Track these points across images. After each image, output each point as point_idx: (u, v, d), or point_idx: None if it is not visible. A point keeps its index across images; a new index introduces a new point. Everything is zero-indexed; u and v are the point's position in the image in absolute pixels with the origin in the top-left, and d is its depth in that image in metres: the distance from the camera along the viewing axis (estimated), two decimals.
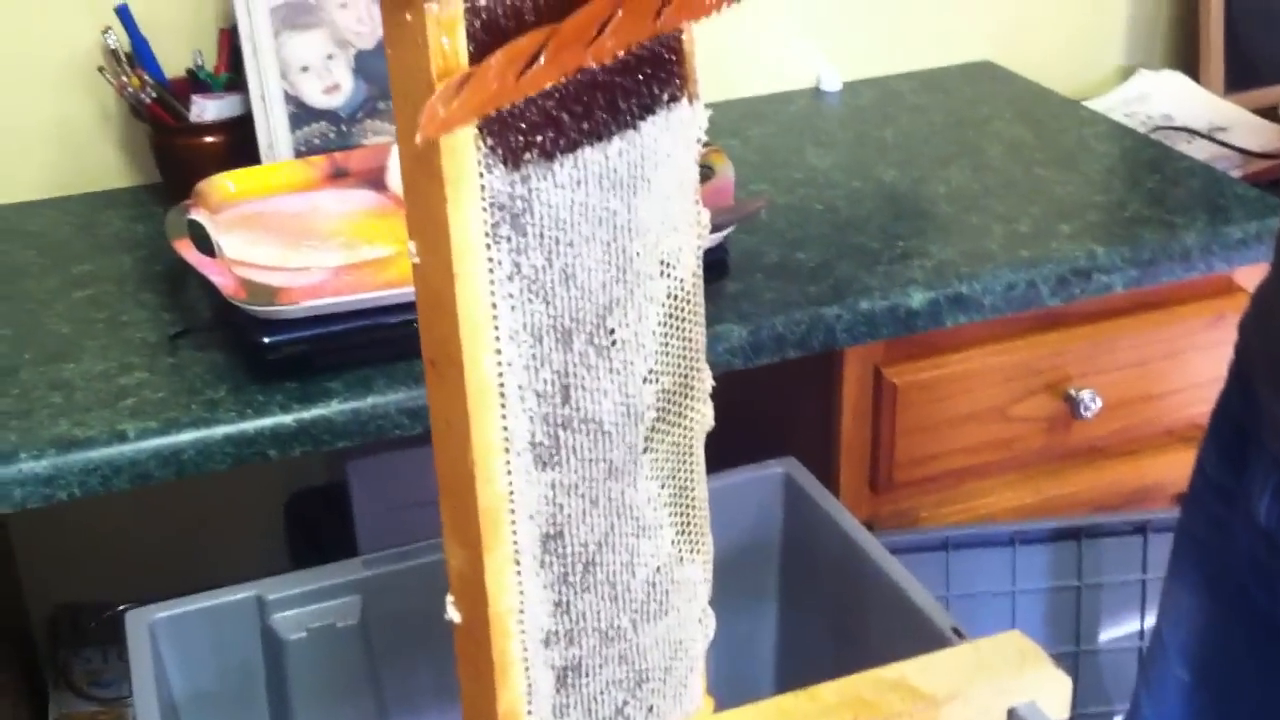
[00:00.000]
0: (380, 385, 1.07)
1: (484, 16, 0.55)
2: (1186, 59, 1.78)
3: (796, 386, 1.33)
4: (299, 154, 1.35)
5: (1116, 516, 1.32)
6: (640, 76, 0.62)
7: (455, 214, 0.56)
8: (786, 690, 0.77)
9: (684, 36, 0.63)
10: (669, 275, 0.66)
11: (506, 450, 0.61)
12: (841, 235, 1.29)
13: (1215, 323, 1.33)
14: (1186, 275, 1.29)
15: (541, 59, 0.55)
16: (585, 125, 0.60)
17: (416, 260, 0.59)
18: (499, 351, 0.60)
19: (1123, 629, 1.34)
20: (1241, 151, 1.51)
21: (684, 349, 0.68)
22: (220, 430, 1.04)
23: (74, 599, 1.55)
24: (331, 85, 1.36)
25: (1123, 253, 1.26)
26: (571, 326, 0.62)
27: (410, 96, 0.55)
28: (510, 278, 0.59)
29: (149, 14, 1.38)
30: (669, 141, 0.64)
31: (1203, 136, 1.55)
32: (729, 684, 1.10)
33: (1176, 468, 1.37)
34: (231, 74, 1.40)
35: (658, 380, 0.67)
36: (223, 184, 1.24)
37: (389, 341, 1.08)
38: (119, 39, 1.38)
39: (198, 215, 1.18)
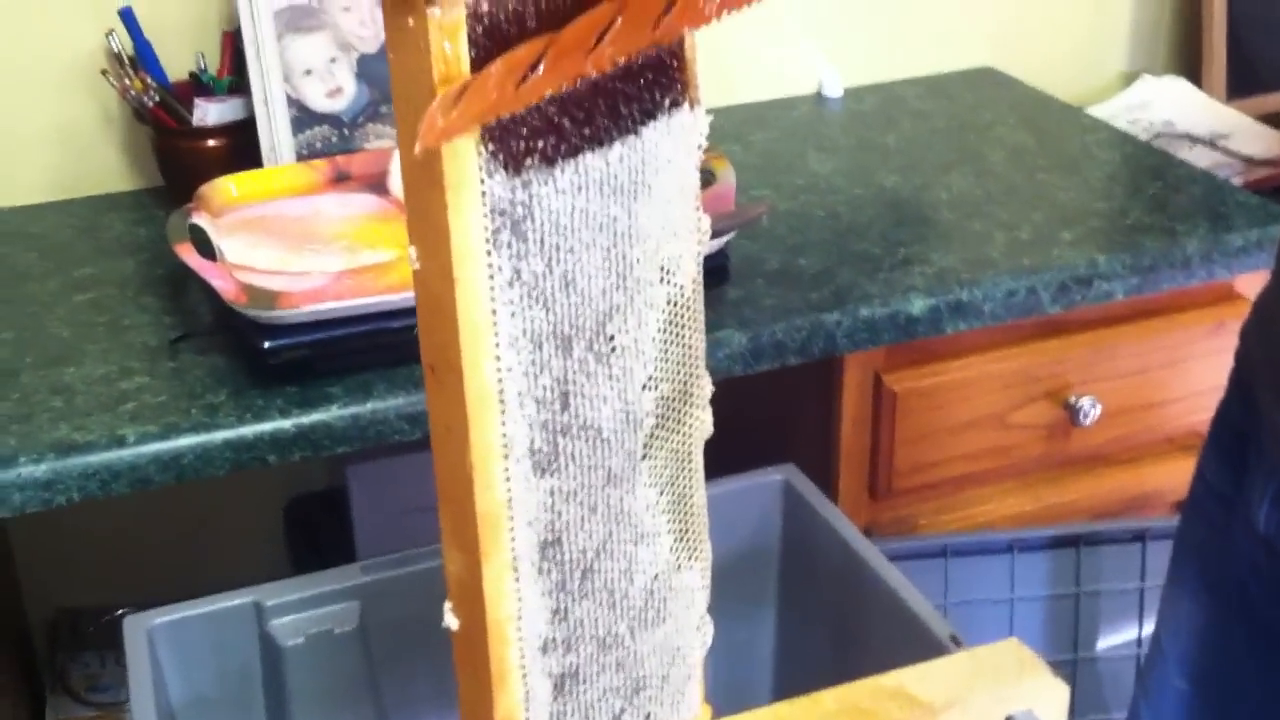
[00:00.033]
0: (380, 390, 1.07)
1: (486, 22, 0.55)
2: (1189, 65, 1.78)
3: (796, 393, 1.33)
4: (301, 158, 1.35)
5: (1115, 524, 1.32)
6: (642, 82, 0.62)
7: (456, 219, 0.56)
8: (785, 698, 0.77)
9: (685, 42, 0.63)
10: (669, 281, 0.66)
11: (505, 456, 0.61)
12: (843, 241, 1.29)
13: (1216, 330, 1.33)
14: (1187, 283, 1.29)
15: (540, 68, 0.55)
16: (586, 131, 0.60)
17: (417, 266, 0.59)
18: (498, 358, 0.59)
19: (1121, 637, 1.34)
20: (1243, 158, 1.51)
21: (684, 355, 0.68)
22: (220, 435, 1.04)
23: (73, 603, 1.55)
24: (334, 89, 1.36)
25: (1124, 260, 1.26)
26: (571, 333, 0.62)
27: (412, 101, 0.55)
28: (510, 284, 0.59)
29: (152, 17, 1.39)
30: (670, 147, 0.64)
31: (1204, 143, 1.55)
32: (727, 691, 1.10)
33: (1176, 475, 1.37)
34: (234, 77, 1.40)
35: (657, 387, 0.67)
36: (225, 187, 1.24)
37: (389, 346, 1.08)
38: (122, 42, 1.38)
39: (199, 219, 1.18)
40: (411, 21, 0.53)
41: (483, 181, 0.57)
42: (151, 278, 1.26)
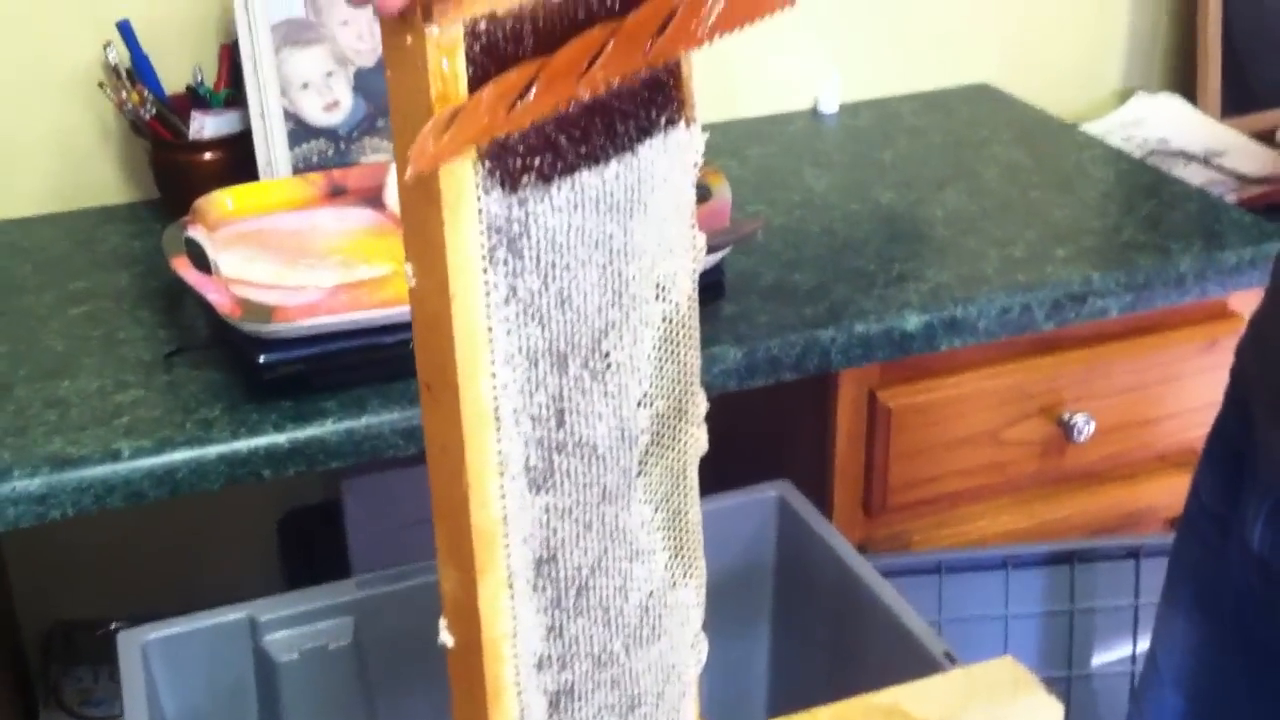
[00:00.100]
0: (375, 405, 1.07)
1: (484, 40, 0.55)
2: (1184, 82, 1.78)
3: (791, 409, 1.33)
4: (297, 171, 1.35)
5: (1109, 541, 1.32)
6: (638, 100, 0.62)
7: (452, 237, 0.57)
8: (779, 715, 0.77)
9: (682, 61, 0.63)
10: (664, 299, 0.66)
11: (501, 474, 0.61)
12: (838, 257, 1.30)
13: (1209, 348, 1.34)
14: (1181, 300, 1.29)
15: (532, 92, 0.55)
16: (583, 149, 0.60)
17: (413, 282, 0.59)
18: (494, 375, 0.60)
19: (1115, 654, 1.34)
20: (1237, 176, 1.52)
21: (678, 373, 0.68)
22: (214, 450, 1.04)
23: (66, 616, 1.55)
24: (331, 102, 1.37)
25: (1118, 277, 1.26)
26: (567, 350, 0.62)
27: (410, 119, 0.55)
28: (506, 301, 0.59)
29: (150, 30, 1.39)
30: (666, 165, 0.64)
31: (1199, 161, 1.56)
32: (722, 708, 1.10)
33: (1169, 492, 1.37)
34: (231, 90, 1.40)
35: (652, 404, 0.67)
36: (221, 201, 1.24)
37: (384, 361, 1.08)
38: (119, 54, 1.38)
39: (195, 233, 1.18)
40: (409, 40, 0.54)
41: (479, 199, 0.57)
42: (147, 291, 1.26)
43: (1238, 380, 0.96)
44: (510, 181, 0.57)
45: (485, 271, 0.58)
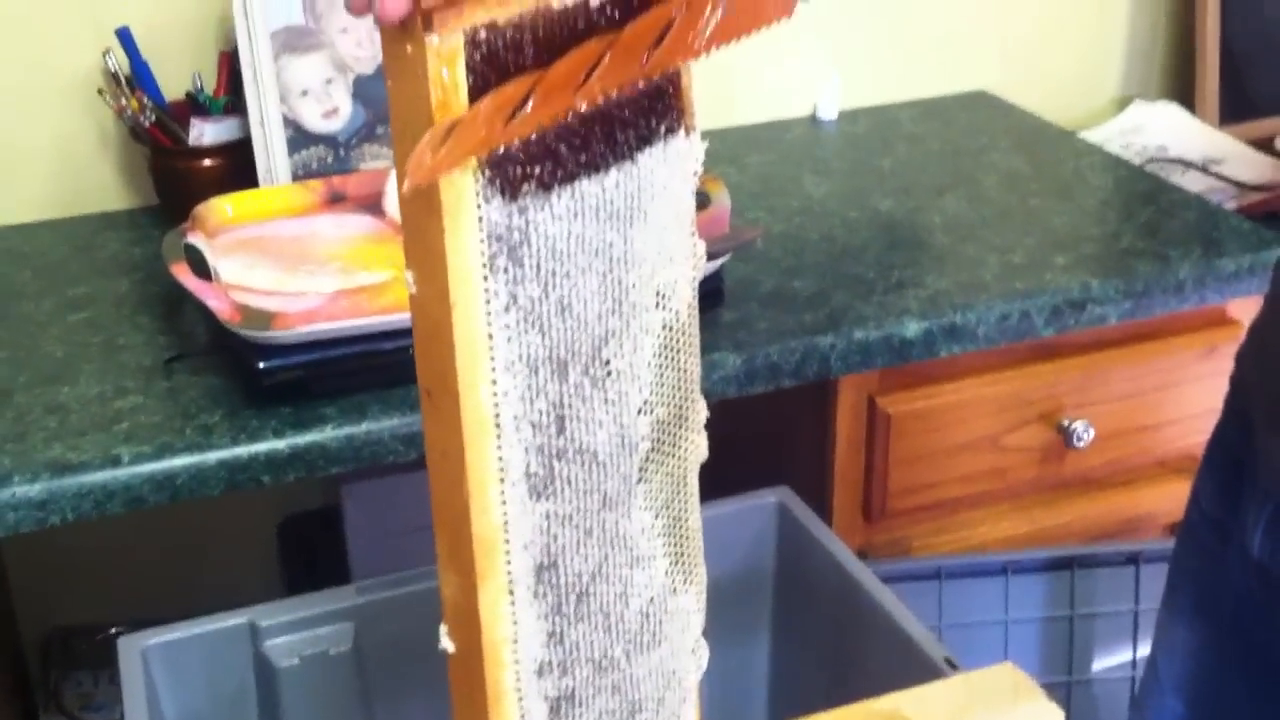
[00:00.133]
0: (375, 411, 1.07)
1: (484, 49, 0.55)
2: (1182, 90, 1.78)
3: (790, 415, 1.33)
4: (297, 178, 1.35)
5: (1109, 547, 1.32)
6: (638, 109, 0.62)
7: (453, 244, 0.57)
8: None
9: (682, 70, 0.64)
10: (664, 306, 0.66)
11: (501, 480, 0.61)
12: (837, 264, 1.30)
13: (1208, 355, 1.34)
14: (1180, 307, 1.29)
15: (529, 104, 0.55)
16: (583, 157, 0.60)
17: (414, 290, 0.59)
18: (495, 382, 0.60)
19: (1115, 659, 1.34)
20: (1236, 184, 1.52)
21: (679, 380, 0.68)
22: (214, 455, 1.04)
23: (66, 621, 1.55)
24: (330, 109, 1.37)
25: (1117, 285, 1.26)
26: (567, 357, 0.62)
27: (410, 127, 0.55)
28: (507, 308, 0.59)
29: (149, 37, 1.39)
30: (666, 173, 0.64)
31: (1197, 168, 1.56)
32: (722, 714, 1.10)
33: (1169, 498, 1.37)
34: (230, 97, 1.40)
35: (652, 411, 0.67)
36: (220, 207, 1.24)
37: (384, 367, 1.08)
38: (119, 61, 1.38)
39: (195, 239, 1.19)
40: (410, 49, 0.54)
41: (479, 207, 0.57)
42: (147, 297, 1.27)
43: (1238, 388, 0.96)
44: (510, 190, 0.57)
45: (486, 279, 0.58)
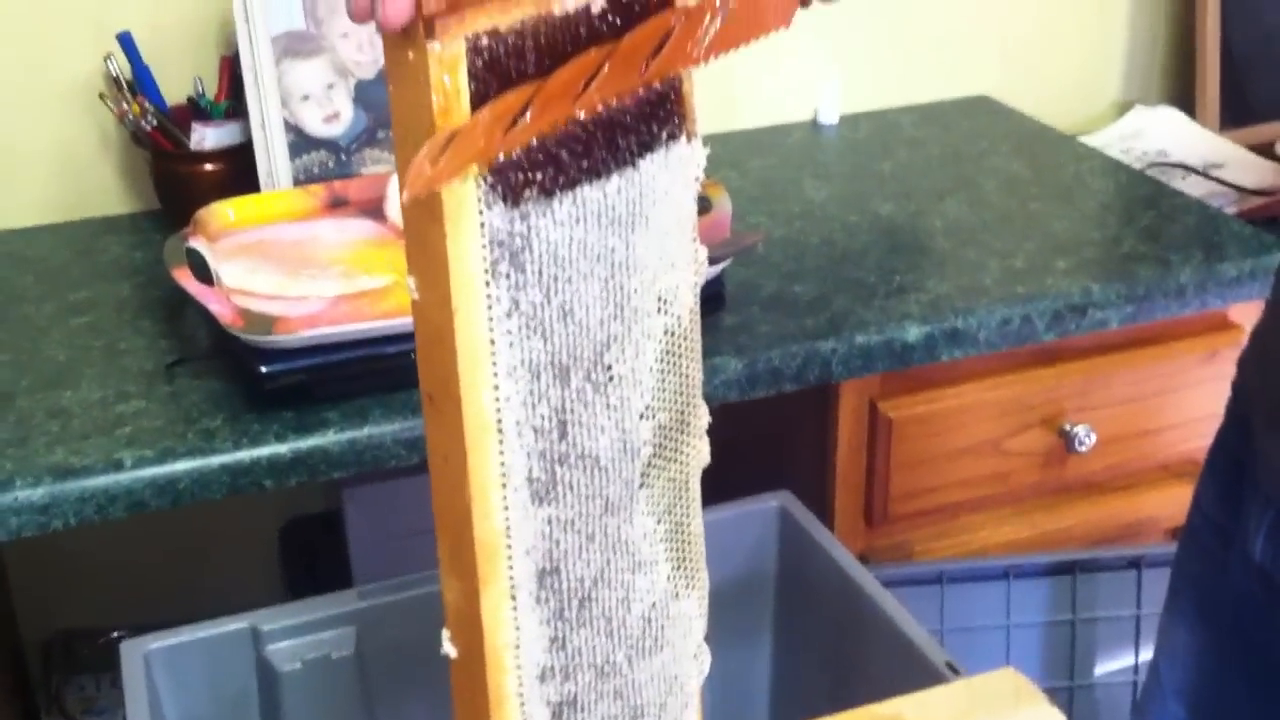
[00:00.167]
0: (376, 415, 1.07)
1: (486, 56, 0.55)
2: (1183, 95, 1.79)
3: (792, 419, 1.34)
4: (298, 182, 1.35)
5: (1111, 551, 1.32)
6: (639, 115, 0.62)
7: (455, 250, 0.57)
8: None
9: (683, 76, 0.64)
10: (666, 312, 0.66)
11: (504, 485, 0.61)
12: (838, 269, 1.30)
13: (1209, 359, 1.34)
14: (1181, 312, 1.29)
15: (528, 115, 0.55)
16: (585, 163, 0.60)
17: (416, 296, 0.59)
18: (497, 387, 0.60)
19: (1117, 663, 1.34)
20: (1236, 188, 1.52)
21: (680, 385, 0.68)
22: (216, 460, 1.04)
23: (68, 625, 1.55)
24: (332, 114, 1.37)
25: (1118, 289, 1.26)
26: (569, 363, 0.62)
27: (411, 133, 0.55)
28: (509, 314, 0.59)
29: (151, 41, 1.39)
30: (668, 179, 0.64)
31: (1198, 173, 1.56)
32: (724, 719, 1.10)
33: (1170, 503, 1.37)
34: (232, 101, 1.41)
35: (654, 416, 0.67)
36: (222, 212, 1.25)
37: (386, 371, 1.08)
38: (120, 66, 1.38)
39: (196, 243, 1.19)
40: (411, 55, 0.54)
41: (481, 213, 0.57)
42: (148, 301, 1.27)
43: (1239, 393, 0.96)
44: (512, 196, 0.58)
45: (488, 285, 0.58)
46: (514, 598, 0.64)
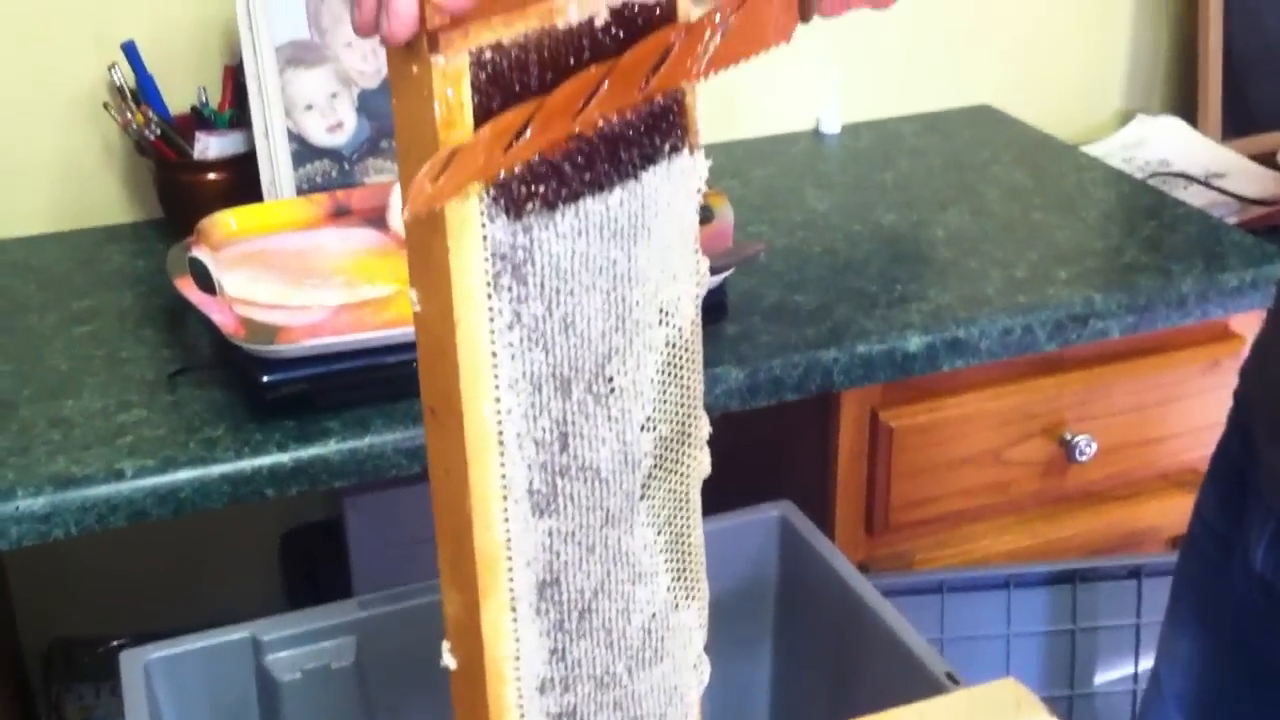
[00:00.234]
0: (378, 425, 1.07)
1: (489, 69, 0.55)
2: (1185, 104, 1.79)
3: (793, 429, 1.34)
4: (301, 192, 1.36)
5: (1111, 560, 1.32)
6: (642, 128, 0.62)
7: (457, 263, 0.57)
8: None
9: (685, 89, 0.64)
10: (668, 324, 0.66)
11: (504, 498, 0.62)
12: (840, 278, 1.30)
13: (1211, 368, 1.34)
14: (1183, 321, 1.29)
15: (529, 132, 0.55)
16: (587, 176, 0.60)
17: (418, 308, 0.59)
18: (498, 400, 0.60)
19: (1117, 672, 1.34)
20: (1238, 198, 1.52)
21: (682, 397, 0.68)
22: (218, 469, 1.04)
23: (68, 633, 1.55)
24: (335, 123, 1.37)
25: (1119, 299, 1.26)
26: (571, 375, 0.62)
27: (415, 146, 0.55)
28: (510, 326, 0.59)
29: (155, 50, 1.39)
30: (670, 191, 0.64)
31: (1200, 182, 1.56)
32: None
33: (1171, 512, 1.37)
34: (235, 111, 1.41)
35: (655, 428, 0.67)
36: (225, 221, 1.25)
37: (387, 381, 1.08)
38: (124, 75, 1.38)
39: (199, 252, 1.19)
40: (415, 68, 0.54)
41: (484, 226, 0.57)
42: (151, 311, 1.27)
43: (1241, 402, 0.96)
44: (515, 209, 0.58)
45: (489, 297, 0.58)
46: (514, 609, 0.64)
